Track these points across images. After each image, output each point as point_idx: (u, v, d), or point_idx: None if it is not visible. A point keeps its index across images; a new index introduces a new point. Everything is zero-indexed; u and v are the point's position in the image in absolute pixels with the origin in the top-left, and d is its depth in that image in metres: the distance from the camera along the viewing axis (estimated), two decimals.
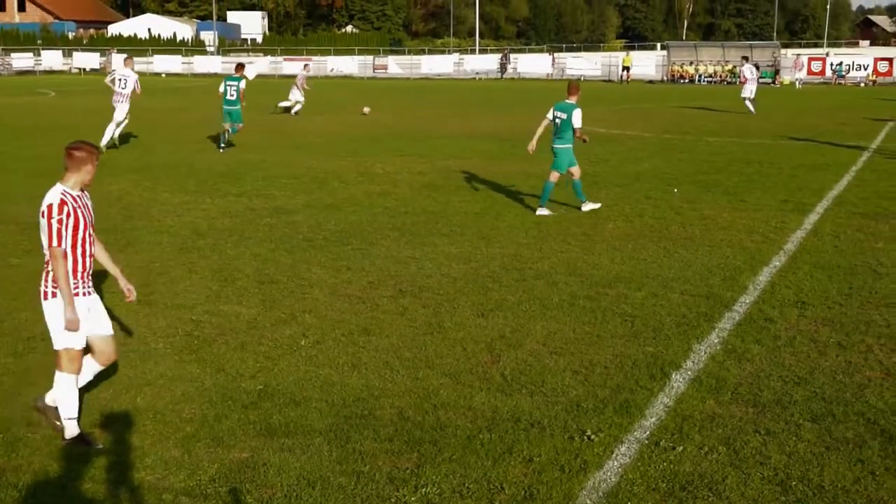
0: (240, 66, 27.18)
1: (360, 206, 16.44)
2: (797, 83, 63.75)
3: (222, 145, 25.32)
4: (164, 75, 78.97)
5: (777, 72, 66.50)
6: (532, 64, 79.73)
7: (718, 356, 8.65)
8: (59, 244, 6.68)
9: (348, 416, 7.30)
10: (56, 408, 7.03)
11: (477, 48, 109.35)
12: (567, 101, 15.79)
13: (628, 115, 37.87)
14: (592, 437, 6.87)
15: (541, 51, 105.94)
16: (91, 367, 7.26)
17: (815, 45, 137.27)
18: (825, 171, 20.40)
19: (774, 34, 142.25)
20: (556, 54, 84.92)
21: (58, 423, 7.02)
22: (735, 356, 8.65)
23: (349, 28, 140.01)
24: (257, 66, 66.47)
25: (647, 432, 6.97)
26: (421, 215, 15.65)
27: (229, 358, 8.68)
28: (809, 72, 68.56)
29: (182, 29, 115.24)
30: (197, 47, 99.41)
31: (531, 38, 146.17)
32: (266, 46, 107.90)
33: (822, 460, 6.52)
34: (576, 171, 16.03)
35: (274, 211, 16.01)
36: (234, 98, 25.40)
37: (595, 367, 8.37)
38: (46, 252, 6.76)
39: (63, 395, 6.93)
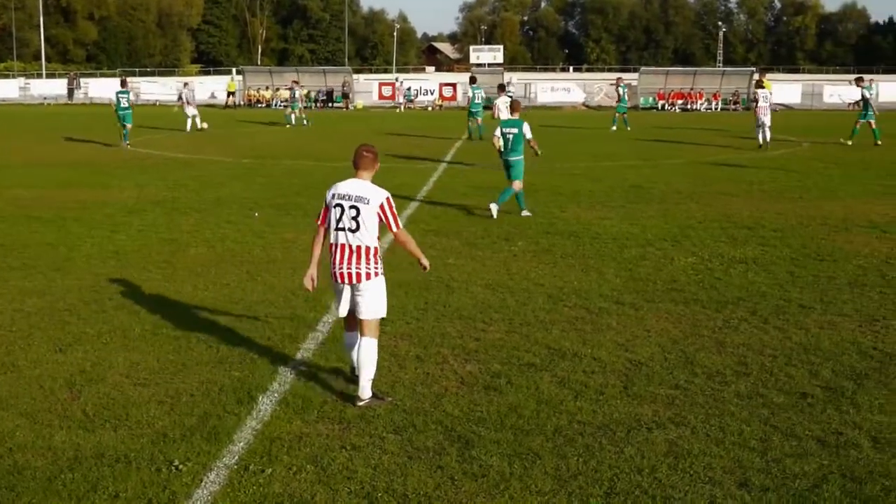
0: (124, 82, 37.04)
1: None
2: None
3: (127, 142, 33.57)
4: None
5: (347, 96, 68.58)
6: (104, 88, 77.23)
7: (304, 376, 8.77)
8: (401, 225, 8.27)
9: None
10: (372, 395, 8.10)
11: (44, 72, 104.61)
12: (512, 117, 18.03)
13: (205, 139, 37.62)
14: (180, 466, 6.74)
15: (113, 75, 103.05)
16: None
17: (386, 71, 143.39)
18: (399, 191, 21.27)
19: (346, 60, 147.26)
20: (129, 79, 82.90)
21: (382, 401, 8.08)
22: (320, 375, 8.80)
23: None
24: None
25: (236, 457, 6.93)
26: None
27: None
28: (380, 96, 71.42)
29: None
30: None
31: (102, 61, 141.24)
32: None
33: (405, 470, 6.77)
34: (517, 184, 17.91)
35: None
36: (126, 105, 33.75)
37: (181, 396, 8.22)
38: (373, 238, 8.08)
39: (373, 359, 8.05)
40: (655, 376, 8.84)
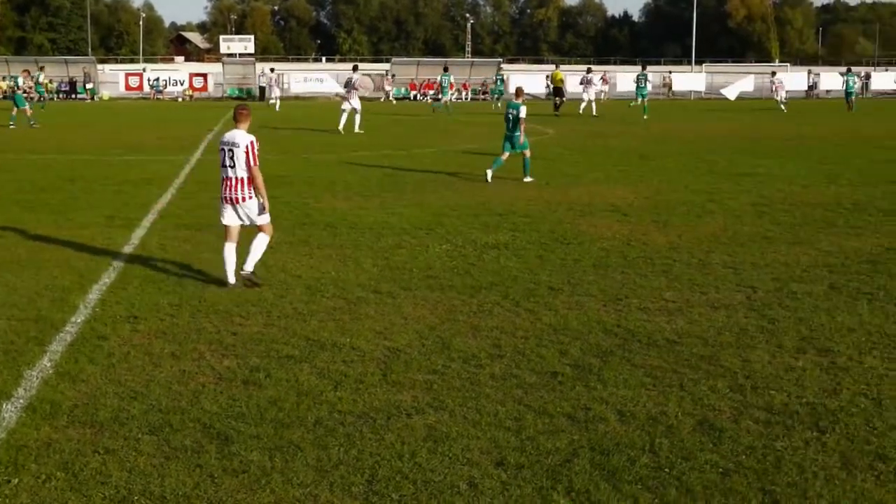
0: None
1: None
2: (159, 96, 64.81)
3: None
4: None
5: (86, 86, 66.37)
6: None
7: (52, 380, 8.40)
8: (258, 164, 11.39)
9: None
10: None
11: None
12: (514, 101, 22.17)
13: None
14: None
15: None
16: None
17: (132, 61, 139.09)
18: (150, 186, 20.71)
19: (90, 49, 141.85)
20: None
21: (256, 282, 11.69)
22: (69, 378, 8.46)
23: None
24: None
25: None
26: None
27: None
28: (127, 87, 69.32)
29: None
30: None
31: None
32: None
33: (162, 471, 6.60)
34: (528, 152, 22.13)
35: None
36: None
37: None
38: (245, 171, 11.26)
39: (261, 247, 11.70)
40: (413, 362, 8.96)
